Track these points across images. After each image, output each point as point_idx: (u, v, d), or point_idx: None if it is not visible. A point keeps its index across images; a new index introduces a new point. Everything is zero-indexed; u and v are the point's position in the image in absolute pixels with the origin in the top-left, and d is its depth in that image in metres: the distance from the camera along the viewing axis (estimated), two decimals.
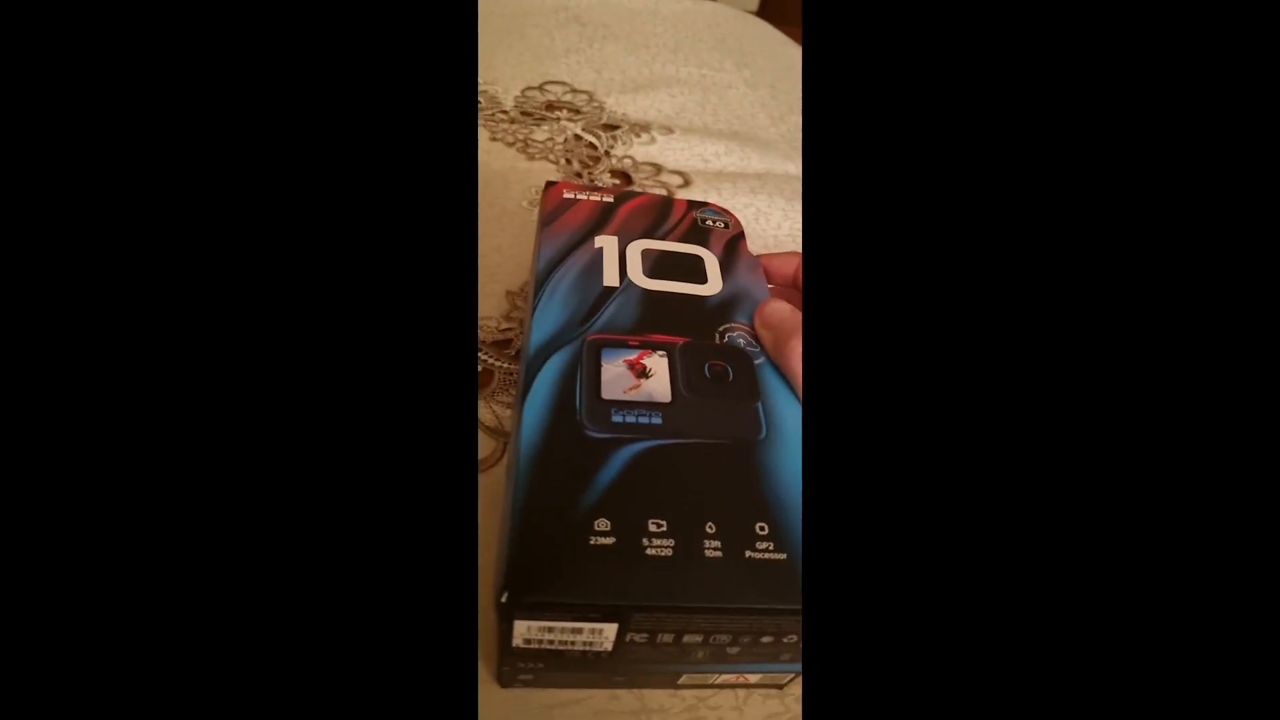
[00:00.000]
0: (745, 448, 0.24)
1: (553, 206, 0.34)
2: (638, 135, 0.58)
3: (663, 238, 0.33)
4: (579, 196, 0.35)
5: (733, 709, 0.26)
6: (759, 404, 0.25)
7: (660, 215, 0.35)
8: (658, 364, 0.26)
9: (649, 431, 0.24)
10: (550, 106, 0.60)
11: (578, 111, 0.60)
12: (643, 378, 0.26)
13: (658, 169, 0.54)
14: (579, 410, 0.24)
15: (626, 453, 0.23)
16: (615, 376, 0.26)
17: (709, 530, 0.21)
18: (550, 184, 0.36)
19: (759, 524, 0.21)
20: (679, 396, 0.25)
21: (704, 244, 0.33)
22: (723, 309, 0.30)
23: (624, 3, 0.84)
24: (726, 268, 0.32)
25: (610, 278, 0.30)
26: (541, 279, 0.30)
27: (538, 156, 0.54)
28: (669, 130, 0.59)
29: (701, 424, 0.24)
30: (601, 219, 0.34)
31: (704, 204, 0.36)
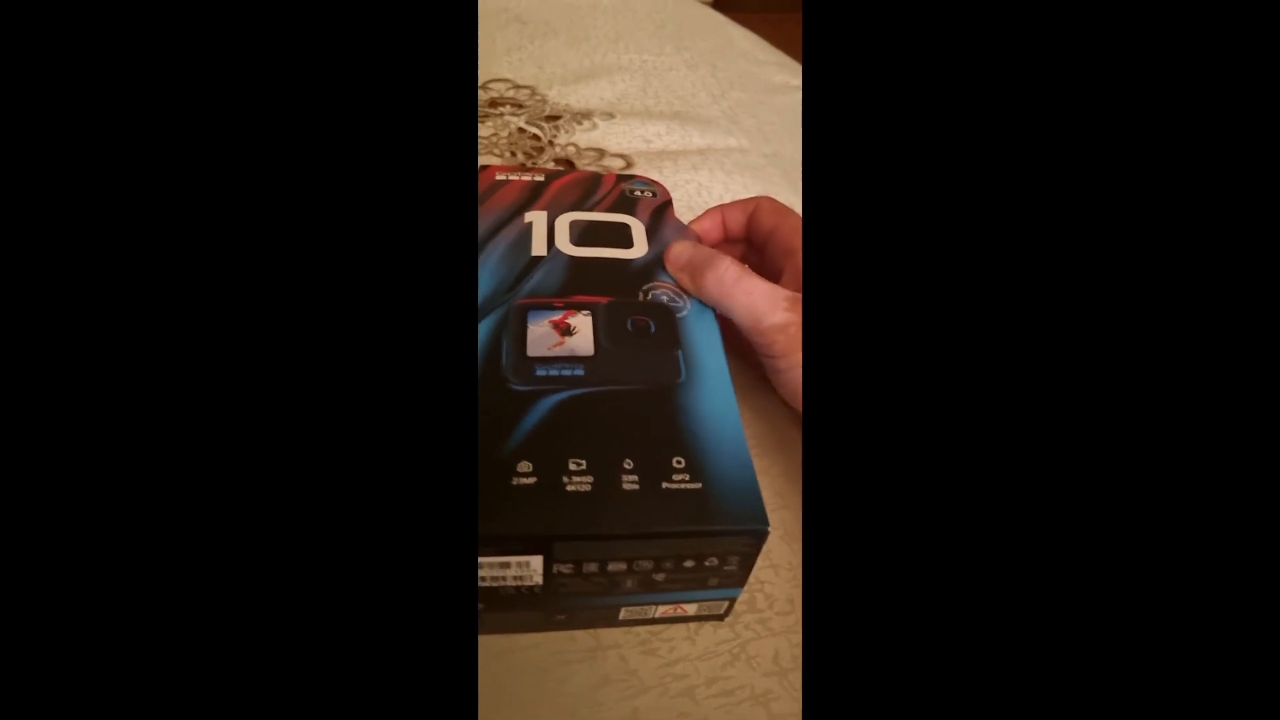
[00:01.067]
0: (664, 392, 0.25)
1: (485, 189, 0.36)
2: (580, 123, 0.59)
3: (590, 209, 0.34)
4: (510, 178, 0.37)
5: (685, 639, 0.27)
6: (679, 352, 0.27)
7: (589, 189, 0.36)
8: (582, 322, 0.28)
9: (571, 383, 0.25)
10: (494, 103, 0.61)
11: (520, 106, 0.61)
12: (566, 335, 0.27)
13: (601, 153, 0.56)
14: (504, 367, 0.25)
15: (549, 402, 0.24)
16: (540, 336, 0.27)
17: (627, 466, 0.23)
18: (483, 168, 0.37)
19: (676, 458, 0.23)
20: (601, 350, 0.27)
21: (631, 212, 0.34)
22: (647, 270, 0.31)
23: None
24: (653, 233, 0.33)
25: (538, 248, 0.32)
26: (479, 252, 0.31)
27: (483, 152, 0.55)
28: (610, 116, 0.61)
29: (622, 373, 0.26)
30: (532, 197, 0.35)
31: (631, 176, 0.37)
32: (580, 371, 0.26)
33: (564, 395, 0.25)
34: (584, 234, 0.33)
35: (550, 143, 0.56)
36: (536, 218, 0.33)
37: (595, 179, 0.37)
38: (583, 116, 0.60)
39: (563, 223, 0.33)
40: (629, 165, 0.54)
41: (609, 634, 0.27)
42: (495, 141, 0.56)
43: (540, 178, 0.37)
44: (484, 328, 0.27)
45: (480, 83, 0.65)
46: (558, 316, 0.28)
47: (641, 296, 0.30)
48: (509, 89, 0.64)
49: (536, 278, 0.30)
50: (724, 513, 0.22)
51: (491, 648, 0.26)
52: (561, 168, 0.54)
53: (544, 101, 0.62)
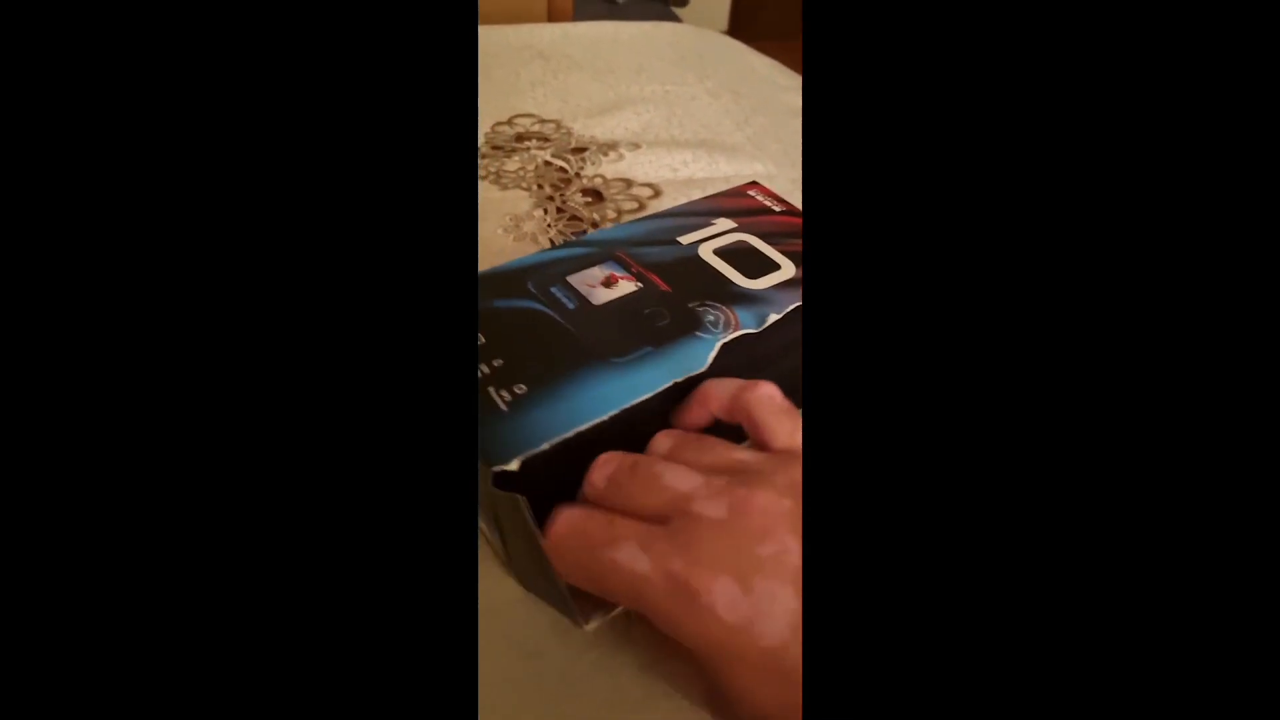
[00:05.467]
0: (599, 359, 0.28)
1: (730, 192, 0.39)
2: (606, 154, 0.59)
3: (774, 244, 0.34)
4: (766, 203, 0.38)
5: None
6: (645, 348, 0.28)
7: (797, 234, 0.35)
8: (625, 287, 0.31)
9: (552, 305, 0.30)
10: (520, 138, 0.62)
11: (546, 139, 0.62)
12: (604, 285, 0.31)
13: (628, 183, 0.56)
14: (535, 268, 0.32)
15: (523, 304, 0.30)
16: (590, 274, 0.32)
17: (504, 380, 0.26)
18: (753, 183, 0.40)
19: (518, 385, 0.26)
20: (602, 307, 0.30)
21: (799, 264, 0.33)
22: (735, 295, 0.31)
23: (585, 33, 0.86)
24: (792, 285, 0.32)
25: (688, 239, 0.34)
26: (653, 215, 0.36)
27: (510, 186, 0.55)
28: (636, 146, 0.61)
29: (592, 329, 0.29)
30: (754, 213, 0.36)
31: None
32: (571, 305, 0.30)
33: (537, 308, 0.30)
34: (731, 251, 0.34)
35: (577, 174, 0.57)
36: (723, 224, 0.35)
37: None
38: (609, 148, 0.60)
39: (732, 235, 0.34)
40: (656, 194, 0.54)
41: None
42: (523, 175, 0.56)
43: (778, 208, 0.37)
44: (579, 250, 0.33)
45: (506, 118, 0.65)
46: (616, 272, 0.32)
47: (696, 304, 0.30)
48: (534, 123, 0.65)
49: (656, 252, 0.33)
50: (489, 445, 0.24)
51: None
52: (589, 199, 0.54)
53: (569, 134, 0.63)
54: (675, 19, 1.31)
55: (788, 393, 0.26)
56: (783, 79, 0.79)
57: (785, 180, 0.58)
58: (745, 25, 2.64)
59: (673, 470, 0.22)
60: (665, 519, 0.21)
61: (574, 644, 0.27)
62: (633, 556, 0.20)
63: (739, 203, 0.38)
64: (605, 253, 0.33)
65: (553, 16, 1.40)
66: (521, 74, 0.75)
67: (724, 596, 0.19)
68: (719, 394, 0.26)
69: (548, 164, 0.58)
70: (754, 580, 0.19)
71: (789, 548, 0.19)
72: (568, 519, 0.23)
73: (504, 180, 0.56)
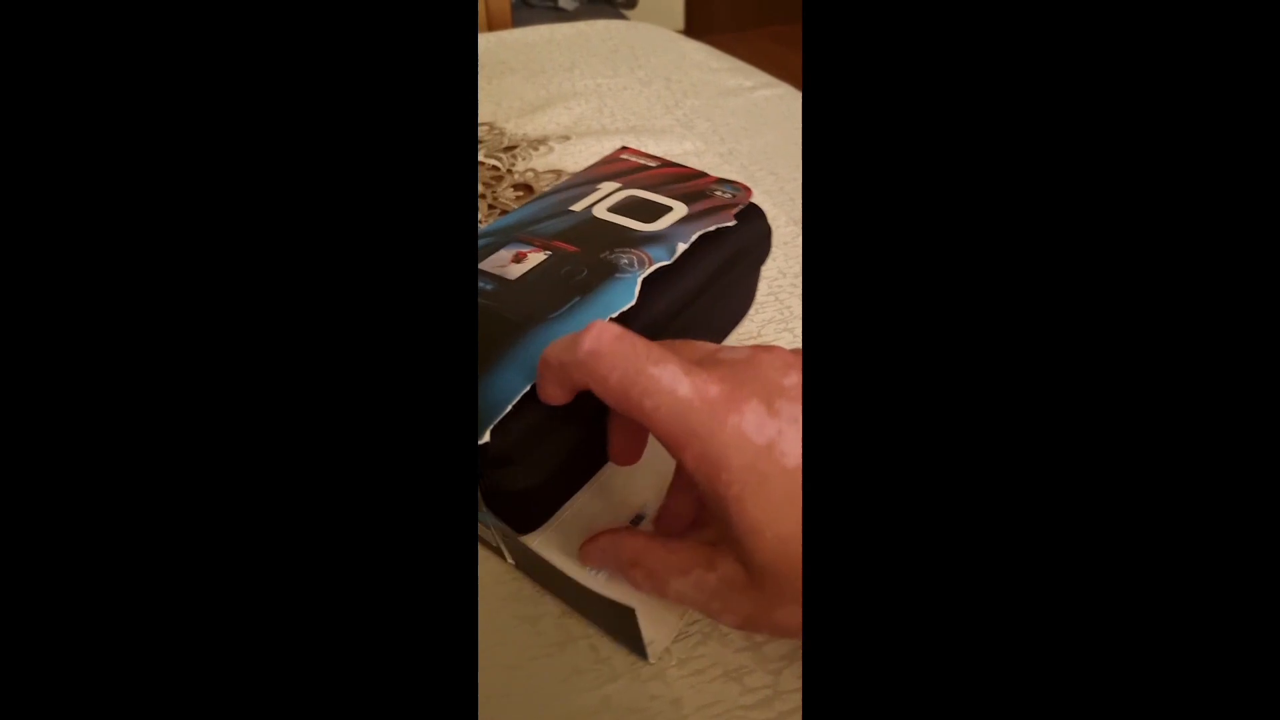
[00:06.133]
0: (527, 320, 0.28)
1: (606, 160, 0.40)
2: (536, 149, 0.60)
3: (660, 193, 0.36)
4: (633, 159, 0.39)
5: None
6: (574, 298, 0.29)
7: (678, 179, 0.37)
8: (535, 259, 0.31)
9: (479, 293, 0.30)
10: None
11: (479, 142, 0.63)
12: (516, 263, 0.31)
13: (559, 174, 0.57)
14: None
15: None
16: (499, 257, 0.32)
17: None
18: (623, 148, 0.41)
19: None
20: (521, 279, 0.30)
21: (689, 202, 0.35)
22: (639, 239, 0.32)
23: (520, 38, 0.87)
24: (688, 220, 0.34)
25: (579, 206, 0.35)
26: (541, 195, 0.37)
27: None
28: (566, 138, 0.62)
29: (517, 299, 0.29)
30: (628, 172, 0.37)
31: (729, 181, 0.38)
32: (489, 286, 0.30)
33: None
34: (623, 205, 0.35)
35: (509, 170, 0.57)
36: (607, 186, 0.36)
37: (697, 175, 0.38)
38: (539, 143, 0.61)
39: (621, 194, 0.35)
40: None
41: (578, 625, 0.27)
42: None
43: (654, 164, 0.39)
44: (480, 242, 0.33)
45: None
46: (523, 249, 0.32)
47: (606, 254, 0.31)
48: None
49: (553, 223, 0.33)
50: None
51: None
52: (521, 193, 0.55)
53: (502, 134, 0.63)
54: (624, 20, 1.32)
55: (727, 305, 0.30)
56: (716, 63, 0.80)
57: (713, 155, 0.59)
58: (700, 21, 2.66)
59: (675, 355, 0.23)
60: (697, 362, 0.23)
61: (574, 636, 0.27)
62: (675, 377, 0.21)
63: (616, 167, 0.39)
64: (505, 238, 0.33)
65: (491, 27, 1.41)
66: None
67: (753, 417, 0.20)
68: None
69: (480, 163, 0.59)
70: (778, 403, 0.21)
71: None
72: (610, 331, 0.22)
73: None
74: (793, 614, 0.22)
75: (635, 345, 0.22)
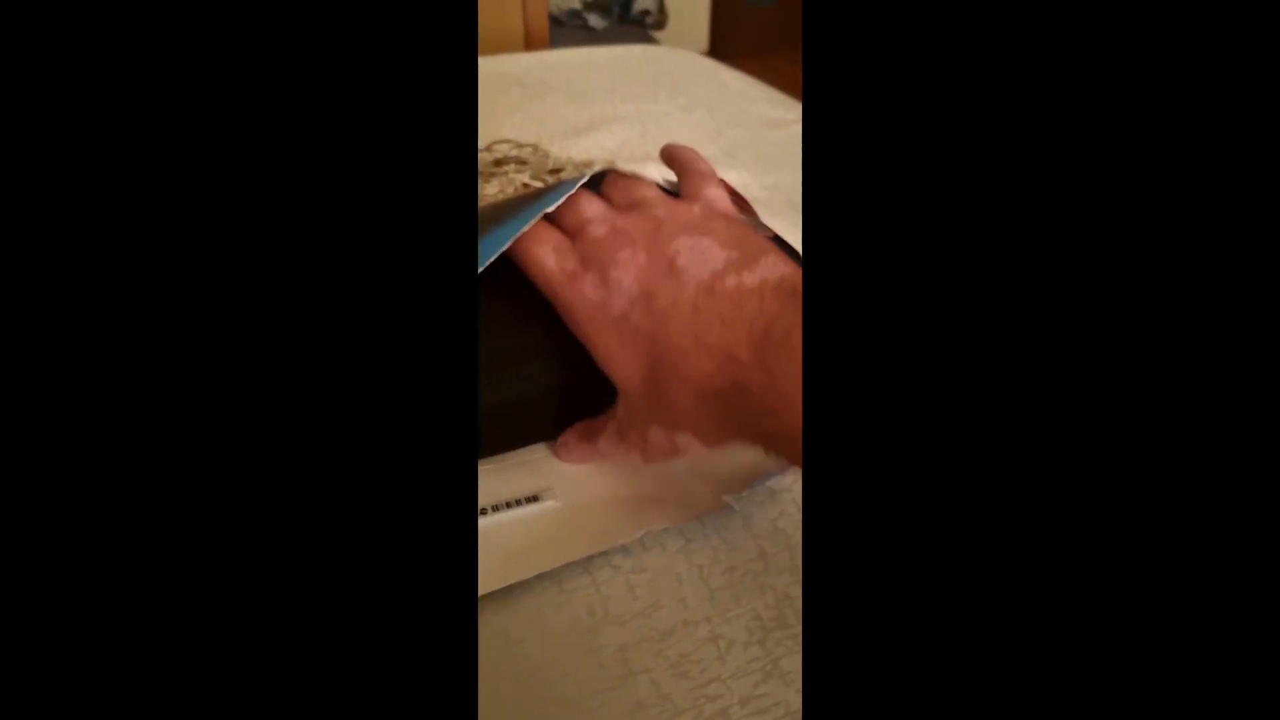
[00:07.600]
0: (493, 225, 0.29)
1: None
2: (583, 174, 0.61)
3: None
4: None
5: (716, 659, 0.27)
6: (529, 204, 0.30)
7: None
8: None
9: None
10: (498, 163, 0.64)
11: (524, 163, 0.63)
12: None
13: None
14: None
15: None
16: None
17: None
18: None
19: None
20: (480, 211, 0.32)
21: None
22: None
23: (561, 59, 0.88)
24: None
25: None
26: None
27: None
28: (612, 164, 0.62)
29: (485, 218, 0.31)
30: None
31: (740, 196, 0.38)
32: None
33: None
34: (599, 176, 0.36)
35: None
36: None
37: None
38: (585, 167, 0.62)
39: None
40: None
41: (639, 659, 0.27)
42: (502, 198, 0.58)
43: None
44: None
45: (484, 145, 0.67)
46: None
47: (563, 172, 0.33)
48: (512, 148, 0.66)
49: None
50: None
51: (520, 674, 0.26)
52: None
53: (547, 156, 0.64)
54: (654, 43, 1.34)
55: None
56: (755, 92, 0.81)
57: (758, 188, 0.59)
58: (725, 43, 2.69)
59: (588, 199, 0.31)
60: (573, 235, 0.31)
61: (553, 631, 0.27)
62: (545, 256, 0.30)
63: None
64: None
65: (530, 46, 1.43)
66: (499, 101, 0.77)
67: (591, 285, 0.29)
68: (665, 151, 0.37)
69: (526, 186, 0.59)
70: (610, 273, 0.29)
71: (638, 255, 0.29)
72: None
73: (484, 204, 0.57)
74: (656, 434, 0.30)
75: (534, 230, 0.30)
